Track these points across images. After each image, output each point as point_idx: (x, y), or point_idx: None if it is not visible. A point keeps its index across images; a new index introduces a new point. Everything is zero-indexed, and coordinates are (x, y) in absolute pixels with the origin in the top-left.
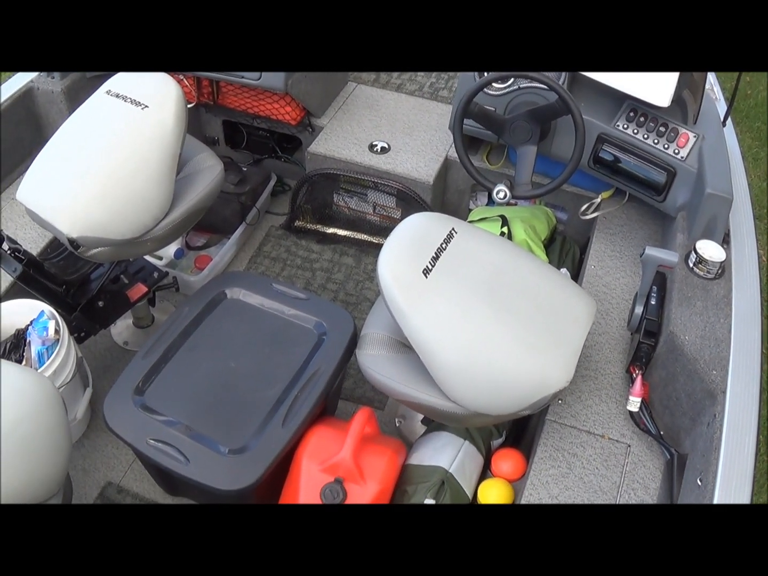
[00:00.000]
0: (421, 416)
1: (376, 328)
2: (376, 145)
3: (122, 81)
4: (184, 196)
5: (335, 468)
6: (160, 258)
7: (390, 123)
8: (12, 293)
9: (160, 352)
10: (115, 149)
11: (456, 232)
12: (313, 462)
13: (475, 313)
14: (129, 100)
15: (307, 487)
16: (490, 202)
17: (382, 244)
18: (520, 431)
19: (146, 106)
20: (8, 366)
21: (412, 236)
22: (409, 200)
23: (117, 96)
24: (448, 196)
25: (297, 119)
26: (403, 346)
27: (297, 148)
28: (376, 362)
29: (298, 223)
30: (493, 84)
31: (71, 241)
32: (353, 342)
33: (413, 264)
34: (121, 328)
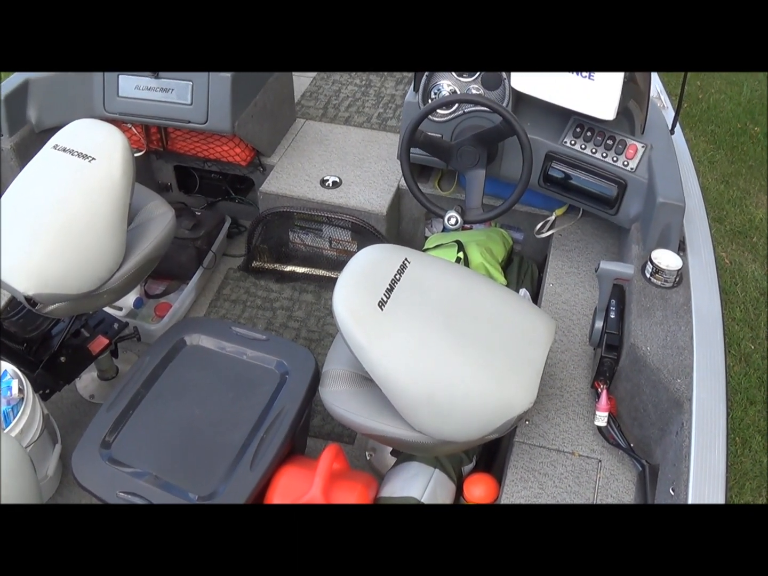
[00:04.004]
0: (390, 448)
1: (337, 364)
2: (327, 180)
3: (69, 134)
4: (137, 246)
5: None
6: (120, 308)
7: (340, 157)
8: None
9: (125, 403)
10: (64, 204)
11: (409, 262)
12: (284, 502)
13: (432, 341)
14: (76, 153)
15: None
16: (445, 228)
17: None
18: (491, 455)
19: (93, 158)
20: None
21: (365, 270)
22: (364, 232)
23: (64, 150)
24: (403, 225)
25: (247, 160)
26: (366, 380)
27: (250, 189)
28: (340, 398)
29: (255, 263)
30: (438, 110)
31: (28, 299)
32: (316, 379)
33: (368, 297)
34: (86, 381)
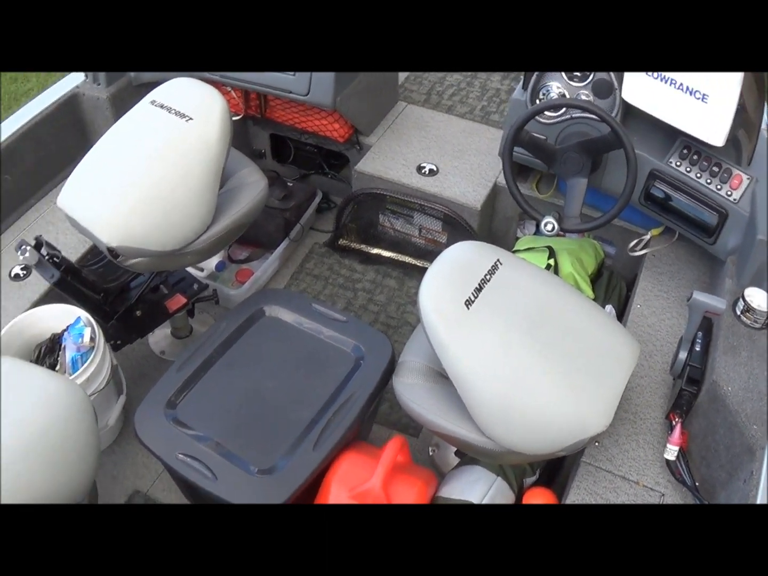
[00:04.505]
0: (455, 448)
1: (414, 356)
2: (424, 167)
3: (167, 91)
4: (226, 211)
5: (364, 495)
6: (201, 269)
7: (439, 145)
8: (50, 298)
9: (196, 365)
10: (157, 160)
11: (501, 264)
12: (342, 488)
13: (515, 348)
14: (173, 111)
15: None
16: (538, 231)
17: (426, 268)
18: (554, 470)
19: (190, 118)
20: (40, 372)
21: (456, 265)
22: (456, 225)
23: (161, 107)
24: (495, 222)
25: (345, 137)
26: (441, 377)
27: (344, 166)
28: (413, 391)
29: (342, 241)
30: (546, 112)
31: (110, 251)
32: (390, 368)
33: (455, 294)
34: (159, 337)
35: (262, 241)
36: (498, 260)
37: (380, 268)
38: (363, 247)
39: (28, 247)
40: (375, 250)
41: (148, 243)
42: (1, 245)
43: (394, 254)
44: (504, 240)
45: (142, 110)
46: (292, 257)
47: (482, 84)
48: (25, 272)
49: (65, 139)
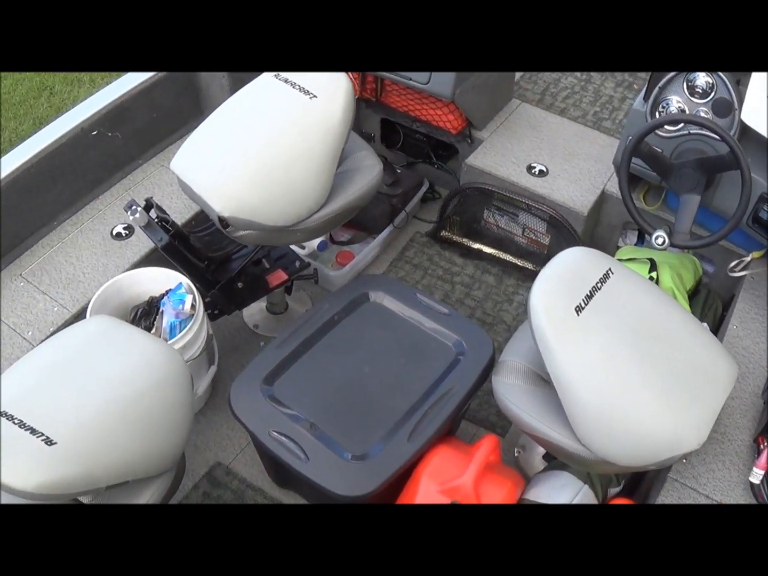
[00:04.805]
0: (542, 451)
1: (515, 357)
2: (534, 167)
3: None
4: (340, 192)
5: (454, 491)
6: (303, 247)
7: (550, 147)
8: (149, 261)
9: (295, 345)
10: (277, 135)
11: (612, 273)
12: (432, 481)
13: (620, 360)
14: (297, 87)
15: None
16: (639, 241)
17: (526, 268)
18: (636, 482)
19: (315, 96)
20: (142, 335)
21: (569, 271)
22: (561, 228)
23: (285, 81)
24: (598, 229)
25: (458, 129)
26: (541, 380)
27: (451, 157)
28: (512, 392)
29: (444, 233)
30: (665, 126)
31: (221, 220)
32: (490, 366)
33: (567, 299)
34: (254, 310)
35: (367, 225)
36: (609, 269)
37: (480, 264)
38: (465, 240)
39: (139, 208)
40: (476, 245)
41: (260, 216)
42: (104, 203)
43: (495, 251)
44: (606, 248)
45: (265, 82)
46: (393, 244)
47: (596, 89)
48: (127, 232)
49: (178, 103)
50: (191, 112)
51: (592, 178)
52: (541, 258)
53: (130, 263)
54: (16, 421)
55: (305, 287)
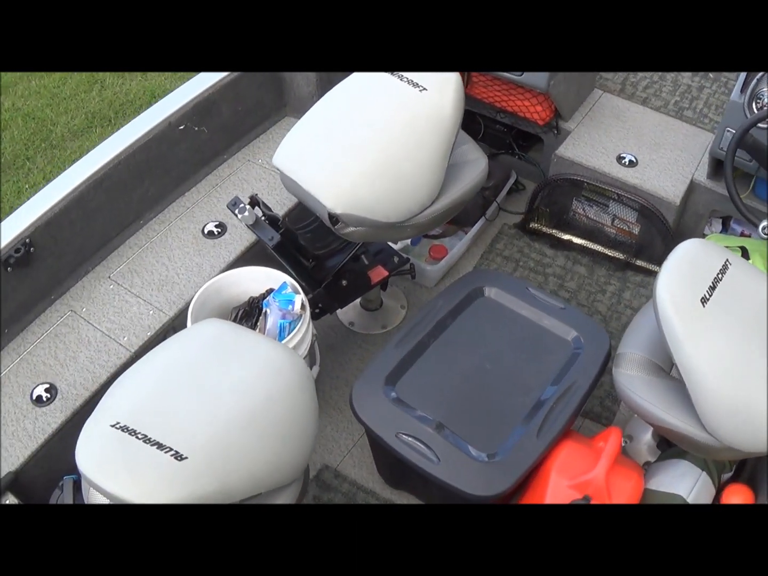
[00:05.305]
0: (647, 439)
1: (635, 348)
2: (624, 158)
3: None
4: (450, 186)
5: (585, 486)
6: (395, 242)
7: (637, 137)
8: (242, 260)
9: (413, 343)
10: (387, 128)
11: (730, 264)
12: (562, 477)
13: (748, 348)
14: (405, 79)
15: (553, 501)
16: (724, 229)
17: (616, 258)
18: (742, 466)
19: (424, 89)
20: (262, 339)
21: (691, 263)
22: (652, 218)
23: (392, 73)
24: (685, 218)
25: (545, 119)
26: (661, 370)
27: (532, 147)
28: (634, 383)
29: (533, 224)
30: None
31: (331, 216)
32: (607, 359)
33: (692, 290)
34: (349, 307)
35: (459, 218)
36: (727, 260)
37: (570, 254)
38: (554, 231)
39: (247, 206)
40: (566, 236)
41: (372, 212)
42: (196, 200)
43: (585, 241)
44: (692, 236)
45: (370, 75)
46: (482, 237)
47: (673, 79)
48: (219, 230)
49: (262, 96)
50: (274, 106)
51: (680, 168)
52: (632, 248)
53: (226, 263)
54: (139, 436)
55: (398, 283)
